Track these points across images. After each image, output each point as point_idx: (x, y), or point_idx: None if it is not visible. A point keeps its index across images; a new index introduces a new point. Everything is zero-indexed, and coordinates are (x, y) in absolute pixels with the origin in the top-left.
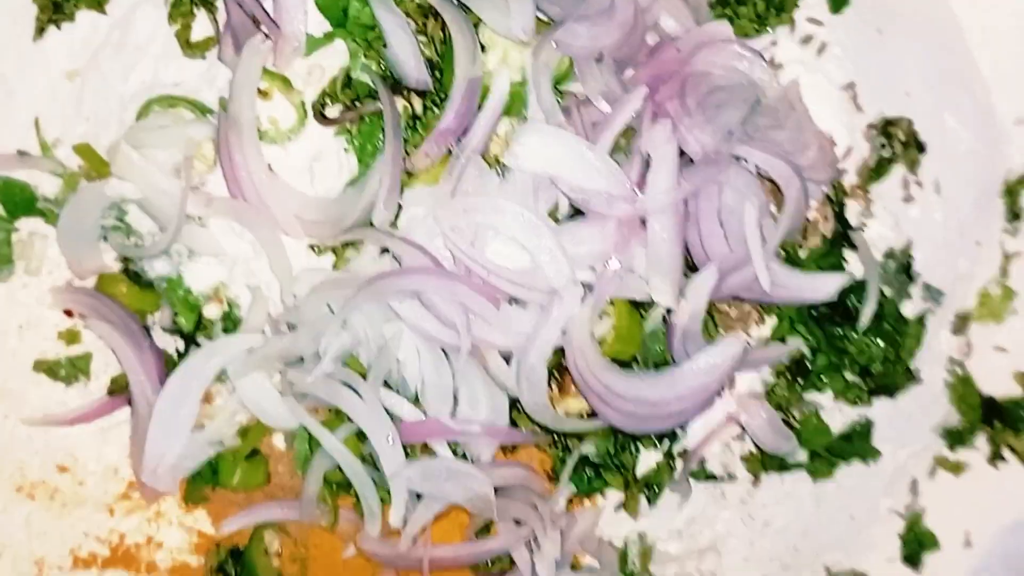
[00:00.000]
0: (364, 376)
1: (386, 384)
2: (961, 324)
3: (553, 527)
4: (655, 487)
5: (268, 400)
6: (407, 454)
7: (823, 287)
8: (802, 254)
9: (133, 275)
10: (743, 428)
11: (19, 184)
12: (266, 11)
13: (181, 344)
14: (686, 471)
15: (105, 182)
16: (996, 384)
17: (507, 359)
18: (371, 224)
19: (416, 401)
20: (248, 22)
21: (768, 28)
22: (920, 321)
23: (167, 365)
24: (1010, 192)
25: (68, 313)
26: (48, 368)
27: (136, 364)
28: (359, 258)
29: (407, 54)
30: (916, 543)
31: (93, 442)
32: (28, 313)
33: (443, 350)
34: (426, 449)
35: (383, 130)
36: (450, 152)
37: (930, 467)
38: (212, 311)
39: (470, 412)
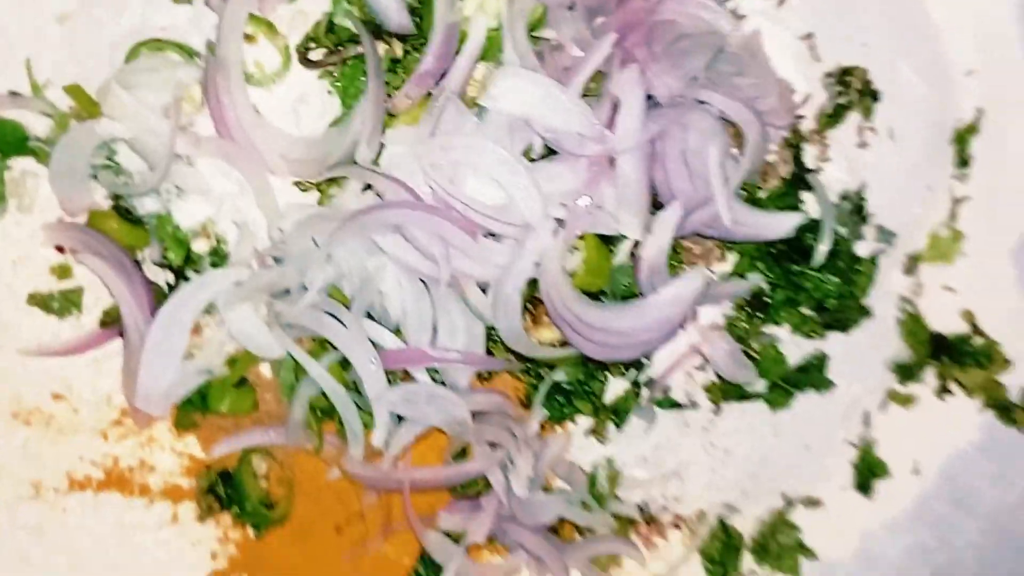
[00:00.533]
0: (348, 307)
1: (369, 316)
2: (912, 264)
3: (527, 448)
4: (622, 413)
5: (255, 331)
6: (389, 382)
7: (781, 225)
8: (762, 194)
9: (123, 212)
10: (705, 358)
11: (11, 124)
12: None
13: (171, 278)
14: (651, 398)
15: (95, 122)
16: (944, 321)
17: (484, 290)
18: (354, 162)
19: (397, 332)
20: None
21: None
22: (873, 260)
23: (158, 298)
24: (960, 139)
25: (59, 249)
26: (42, 301)
27: (128, 296)
28: (343, 194)
29: None
30: (868, 471)
31: (87, 372)
32: (21, 249)
33: (423, 281)
34: (407, 377)
35: (365, 73)
36: (430, 94)
37: (882, 400)
38: (201, 246)
39: (449, 341)
